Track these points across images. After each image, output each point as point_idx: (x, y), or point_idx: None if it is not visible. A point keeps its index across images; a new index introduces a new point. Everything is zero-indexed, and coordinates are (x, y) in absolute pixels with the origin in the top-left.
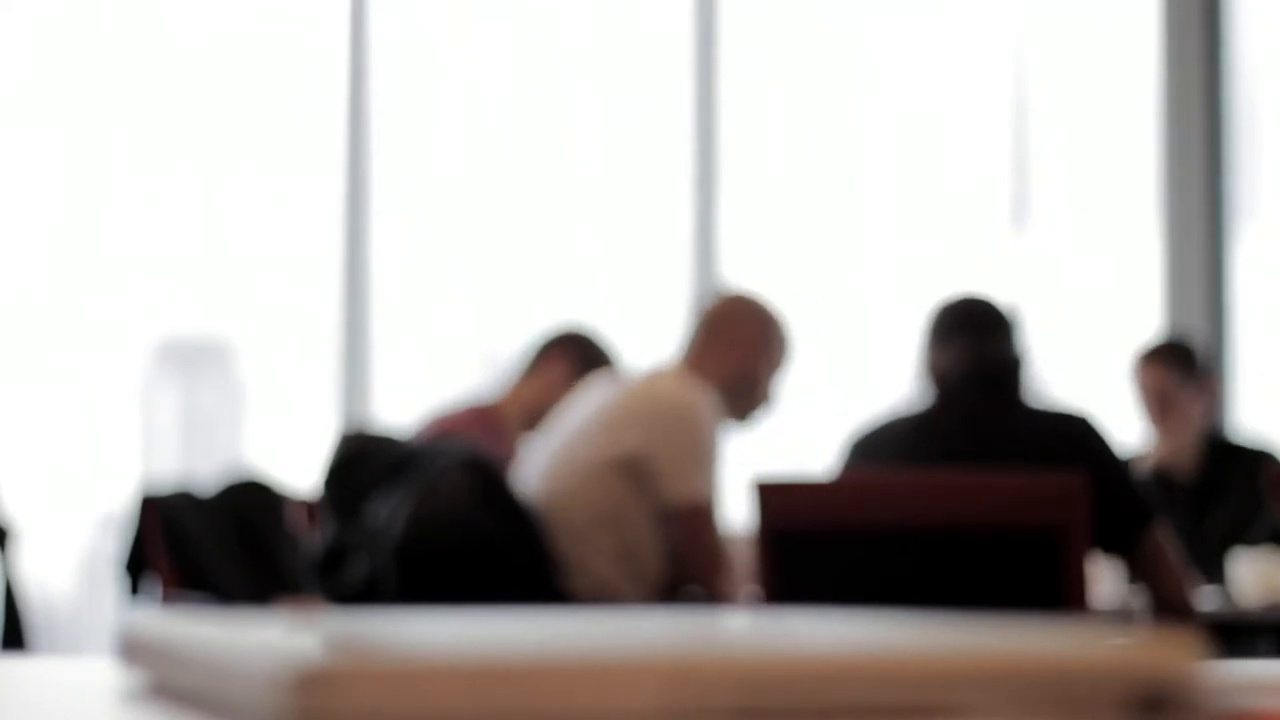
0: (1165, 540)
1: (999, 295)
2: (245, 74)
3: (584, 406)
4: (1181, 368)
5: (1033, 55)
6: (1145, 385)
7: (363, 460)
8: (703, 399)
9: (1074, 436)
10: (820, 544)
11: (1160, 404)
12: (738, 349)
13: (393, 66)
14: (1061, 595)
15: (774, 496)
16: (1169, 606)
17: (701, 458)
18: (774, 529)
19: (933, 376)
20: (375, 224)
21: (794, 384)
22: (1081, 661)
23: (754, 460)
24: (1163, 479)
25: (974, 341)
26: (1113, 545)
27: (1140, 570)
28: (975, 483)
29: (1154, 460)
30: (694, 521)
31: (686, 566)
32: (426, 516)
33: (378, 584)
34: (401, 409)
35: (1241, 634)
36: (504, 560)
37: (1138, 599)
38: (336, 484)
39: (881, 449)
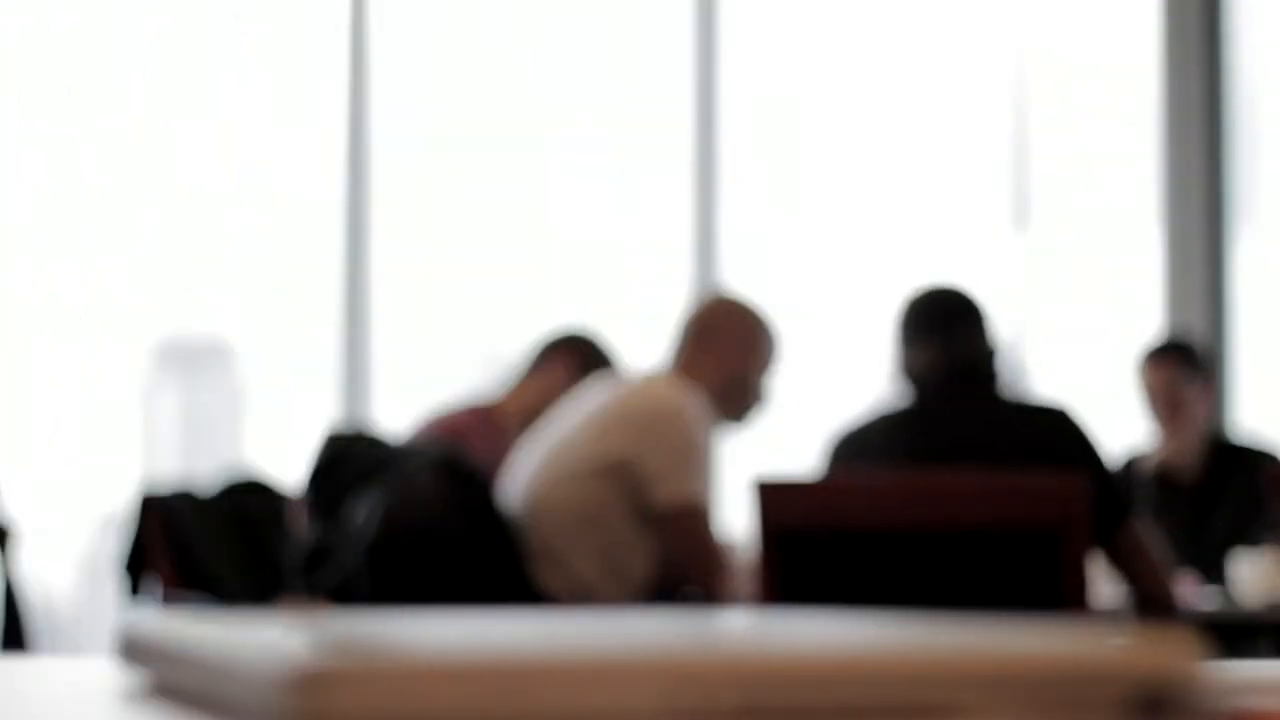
0: (1144, 533)
1: (994, 292)
2: (245, 73)
3: (576, 409)
4: (1189, 366)
5: (1033, 55)
6: (1153, 384)
7: (345, 460)
8: (691, 401)
9: (1054, 430)
10: (821, 544)
11: (1169, 403)
12: (727, 352)
13: (393, 66)
14: (1062, 595)
15: (775, 496)
16: (1150, 600)
17: (691, 459)
18: (775, 529)
19: (906, 375)
20: (375, 224)
21: (795, 385)
22: (1081, 661)
23: (758, 461)
24: (1165, 479)
25: (943, 338)
26: (1092, 539)
27: (1120, 563)
28: (975, 483)
29: (1158, 459)
30: (688, 523)
31: (683, 568)
32: (397, 517)
33: (351, 584)
34: (401, 409)
35: (1241, 634)
36: (474, 560)
37: (1119, 593)
38: (320, 484)
39: (862, 450)
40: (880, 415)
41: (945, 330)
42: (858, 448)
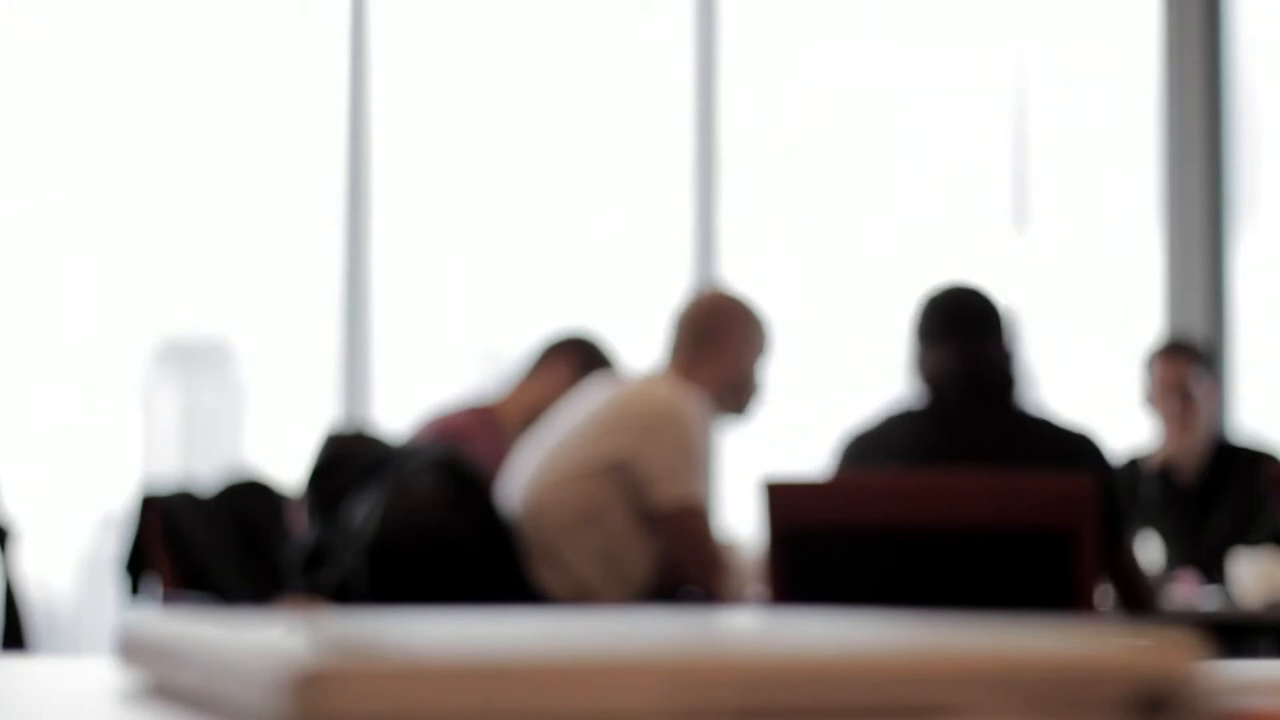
0: (1135, 547)
1: (995, 292)
2: (245, 73)
3: (576, 409)
4: (1199, 363)
5: (1033, 55)
6: (1166, 380)
7: (345, 460)
8: (690, 402)
9: (1075, 451)
10: (831, 544)
11: (1181, 398)
12: (725, 348)
13: (393, 66)
14: (1072, 596)
15: (784, 496)
16: (1137, 609)
17: (690, 460)
18: (784, 529)
19: (923, 376)
20: (375, 224)
21: (795, 385)
22: (1082, 661)
23: (759, 460)
24: (1166, 478)
25: (962, 340)
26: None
27: (1112, 574)
28: (987, 484)
29: (1161, 458)
30: (687, 523)
31: (683, 567)
32: (397, 517)
33: (351, 584)
34: (401, 409)
35: (1241, 634)
36: (473, 560)
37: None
38: (319, 484)
39: (878, 449)
40: (896, 415)
41: (964, 332)
42: (872, 447)
